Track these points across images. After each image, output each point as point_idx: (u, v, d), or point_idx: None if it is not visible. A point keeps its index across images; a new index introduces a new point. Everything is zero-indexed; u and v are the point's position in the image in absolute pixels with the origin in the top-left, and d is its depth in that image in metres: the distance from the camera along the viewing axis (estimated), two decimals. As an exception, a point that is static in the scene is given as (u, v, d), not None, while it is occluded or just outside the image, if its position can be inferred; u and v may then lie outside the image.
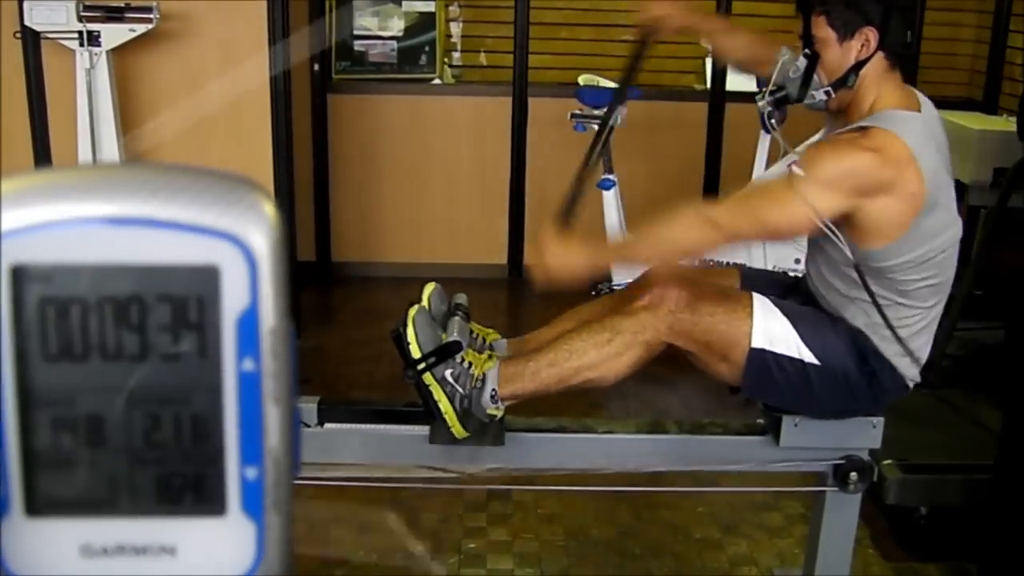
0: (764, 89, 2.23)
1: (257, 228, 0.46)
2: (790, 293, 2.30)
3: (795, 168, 1.97)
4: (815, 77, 2.11)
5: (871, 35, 2.05)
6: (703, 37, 2.68)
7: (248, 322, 0.46)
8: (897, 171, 1.95)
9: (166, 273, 0.45)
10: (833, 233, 1.97)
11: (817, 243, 2.14)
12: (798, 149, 2.30)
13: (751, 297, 2.14)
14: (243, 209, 0.46)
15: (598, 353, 2.10)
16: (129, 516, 0.47)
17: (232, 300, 0.46)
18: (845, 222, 2.00)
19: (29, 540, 0.46)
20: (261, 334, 0.46)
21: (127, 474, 0.47)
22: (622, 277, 4.07)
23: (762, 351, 2.08)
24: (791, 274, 2.59)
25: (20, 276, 0.44)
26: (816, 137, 3.88)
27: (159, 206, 0.44)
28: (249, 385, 0.46)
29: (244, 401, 0.46)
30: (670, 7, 2.32)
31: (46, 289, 0.44)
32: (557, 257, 2.03)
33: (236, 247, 0.45)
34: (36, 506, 0.46)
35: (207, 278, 0.46)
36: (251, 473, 0.47)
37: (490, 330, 2.34)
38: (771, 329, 2.09)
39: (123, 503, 0.47)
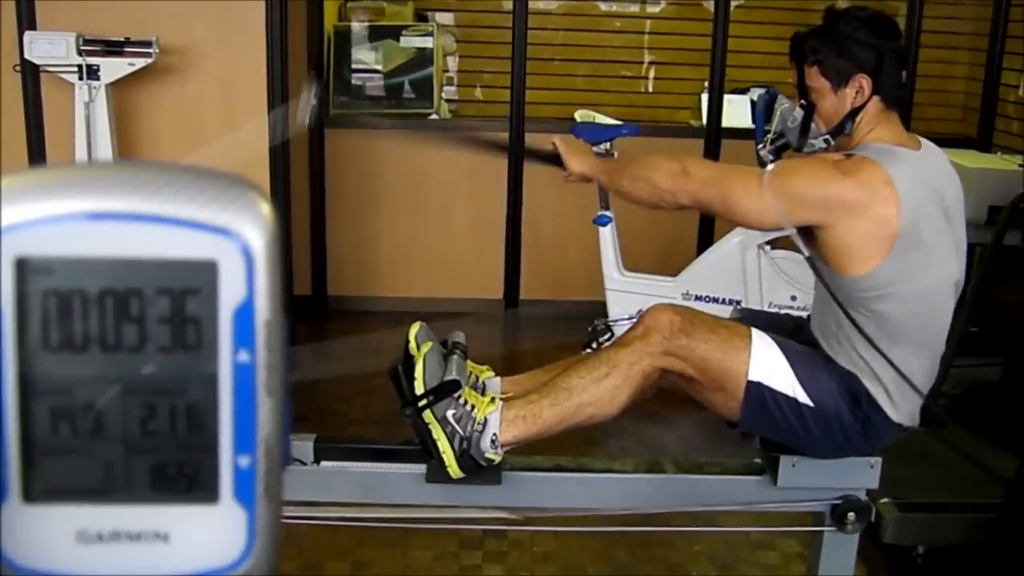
0: (766, 137, 2.29)
1: (254, 225, 0.48)
2: (791, 336, 2.31)
3: (770, 166, 2.02)
4: (812, 125, 2.15)
5: (864, 82, 2.08)
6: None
7: (244, 315, 0.48)
8: (870, 195, 1.97)
9: (166, 267, 0.47)
10: (802, 241, 2.04)
11: (815, 280, 2.16)
12: None
13: (749, 329, 2.16)
14: (241, 207, 0.48)
15: (597, 388, 2.10)
16: (124, 503, 0.48)
17: (229, 294, 0.48)
18: (819, 243, 2.02)
19: (26, 526, 0.47)
20: (256, 327, 0.48)
21: (123, 462, 0.48)
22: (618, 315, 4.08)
23: (759, 384, 2.08)
24: (793, 314, 2.60)
25: (24, 268, 0.46)
26: None
27: (160, 203, 0.46)
28: (244, 376, 0.48)
29: (239, 391, 0.48)
30: (579, 165, 2.39)
31: (48, 281, 0.46)
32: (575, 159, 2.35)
33: (234, 243, 0.47)
34: (33, 493, 0.47)
35: (205, 273, 0.47)
36: (244, 461, 0.48)
37: (484, 367, 2.34)
38: (768, 364, 2.10)
39: (118, 490, 0.48)
